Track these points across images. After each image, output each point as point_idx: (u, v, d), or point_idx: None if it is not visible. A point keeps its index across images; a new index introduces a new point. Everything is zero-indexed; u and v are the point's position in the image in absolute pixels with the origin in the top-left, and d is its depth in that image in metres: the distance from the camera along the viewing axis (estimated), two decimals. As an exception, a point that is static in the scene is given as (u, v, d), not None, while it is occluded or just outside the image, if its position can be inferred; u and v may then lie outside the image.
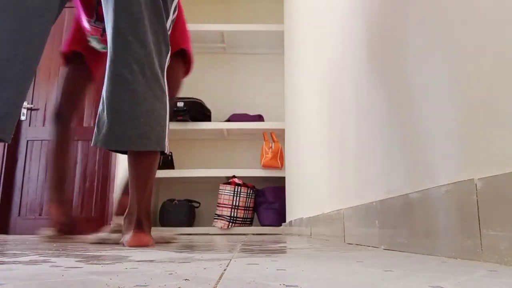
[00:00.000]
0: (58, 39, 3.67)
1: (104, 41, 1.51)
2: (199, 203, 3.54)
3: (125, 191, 1.65)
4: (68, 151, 1.76)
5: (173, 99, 1.67)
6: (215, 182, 3.49)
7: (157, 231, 1.53)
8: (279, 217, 3.27)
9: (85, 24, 1.55)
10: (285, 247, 1.07)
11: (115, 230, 1.48)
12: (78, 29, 1.67)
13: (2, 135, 1.03)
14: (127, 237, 1.20)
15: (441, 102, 0.71)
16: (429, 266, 0.55)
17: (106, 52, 1.58)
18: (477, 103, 0.60)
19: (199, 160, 3.74)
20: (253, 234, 3.02)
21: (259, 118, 3.56)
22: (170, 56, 1.38)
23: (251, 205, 3.30)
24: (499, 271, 0.48)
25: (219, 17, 3.95)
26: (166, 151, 1.28)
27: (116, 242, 1.41)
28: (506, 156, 0.54)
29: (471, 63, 0.62)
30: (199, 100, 3.49)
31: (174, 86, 1.65)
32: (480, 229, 0.57)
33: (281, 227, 3.20)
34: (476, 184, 0.58)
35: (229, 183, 3.26)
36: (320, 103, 1.79)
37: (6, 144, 3.45)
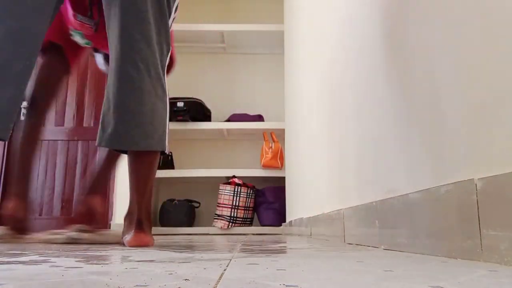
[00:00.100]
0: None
1: (89, 36, 1.47)
2: (199, 203, 3.54)
3: (92, 190, 1.57)
4: (36, 145, 1.70)
5: None
6: (215, 182, 3.49)
7: (102, 231, 1.50)
8: (279, 217, 3.27)
9: (71, 18, 1.53)
10: (285, 247, 1.07)
11: (80, 230, 1.45)
12: (60, 21, 1.64)
13: (0, 133, 1.03)
14: (128, 237, 1.20)
15: (441, 102, 0.71)
16: (429, 266, 0.55)
17: (86, 47, 1.57)
18: (477, 103, 0.60)
19: (199, 160, 3.74)
20: (253, 234, 3.02)
21: (259, 118, 3.57)
22: None
23: (251, 205, 3.30)
24: (499, 271, 0.48)
25: (219, 17, 3.95)
26: (166, 151, 1.28)
27: (89, 242, 1.38)
28: (506, 156, 0.54)
29: (471, 63, 0.62)
30: (199, 100, 3.49)
31: None
32: (480, 229, 0.57)
33: (281, 227, 3.20)
34: (476, 184, 0.58)
35: (229, 183, 3.26)
36: (320, 103, 1.79)
37: (6, 144, 3.45)
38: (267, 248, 1.00)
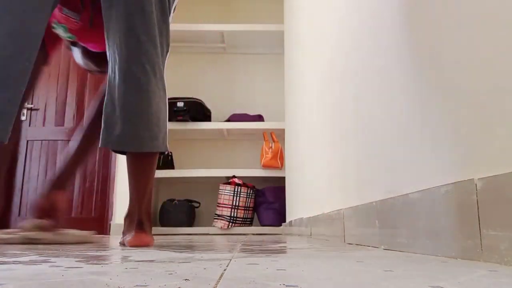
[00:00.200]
0: (58, 39, 3.67)
1: (73, 31, 1.45)
2: (199, 203, 3.54)
3: (57, 185, 1.51)
4: (12, 140, 1.68)
5: None
6: (215, 182, 3.49)
7: (72, 231, 1.47)
8: (279, 217, 3.27)
9: (55, 11, 1.52)
10: (285, 247, 1.07)
11: (38, 227, 1.40)
12: None
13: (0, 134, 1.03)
14: (128, 237, 1.20)
15: (441, 102, 0.71)
16: (429, 266, 0.55)
17: (64, 39, 1.55)
18: (477, 103, 0.60)
19: (199, 160, 3.74)
20: (253, 234, 3.02)
21: (259, 118, 3.57)
22: None
23: (251, 205, 3.30)
24: (499, 271, 0.48)
25: (219, 17, 3.95)
26: (167, 151, 1.30)
27: (46, 243, 1.34)
28: (506, 156, 0.54)
29: (471, 63, 0.62)
30: (199, 100, 3.49)
31: None
32: (480, 229, 0.57)
33: (281, 227, 3.20)
34: (476, 184, 0.58)
35: (229, 183, 3.26)
36: (320, 103, 1.79)
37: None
38: (267, 248, 1.00)
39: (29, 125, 3.61)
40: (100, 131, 1.26)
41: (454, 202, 0.64)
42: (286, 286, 0.39)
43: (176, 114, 3.33)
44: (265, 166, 3.37)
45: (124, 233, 1.28)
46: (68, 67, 3.72)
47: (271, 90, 3.85)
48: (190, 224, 3.41)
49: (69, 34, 1.50)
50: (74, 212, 3.43)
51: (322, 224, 1.63)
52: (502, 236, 0.52)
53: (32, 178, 3.49)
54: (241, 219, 3.23)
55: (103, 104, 1.55)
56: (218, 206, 3.25)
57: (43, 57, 1.66)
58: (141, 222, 1.22)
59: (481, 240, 0.57)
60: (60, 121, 3.61)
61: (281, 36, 3.64)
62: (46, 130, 3.58)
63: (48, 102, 3.66)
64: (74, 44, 1.57)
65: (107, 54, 1.29)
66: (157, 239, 1.73)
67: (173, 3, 1.36)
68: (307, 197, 2.13)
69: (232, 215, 3.20)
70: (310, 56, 2.10)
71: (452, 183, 0.65)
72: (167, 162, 3.49)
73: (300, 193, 2.40)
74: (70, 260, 0.67)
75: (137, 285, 0.40)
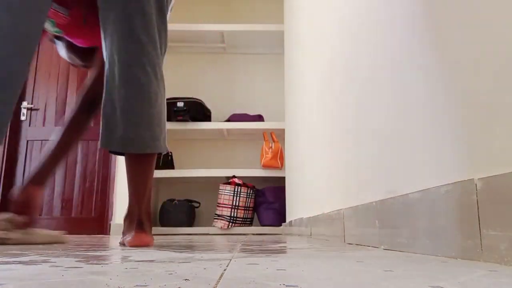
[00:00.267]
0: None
1: (61, 26, 1.43)
2: (199, 203, 3.54)
3: (35, 180, 1.46)
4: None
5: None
6: (215, 182, 3.49)
7: (44, 231, 1.43)
8: (279, 217, 3.27)
9: None
10: (285, 247, 1.07)
11: (9, 221, 1.34)
12: None
13: None
14: (129, 237, 1.21)
15: (441, 102, 0.71)
16: (429, 266, 0.55)
17: (47, 32, 1.53)
18: (477, 103, 0.60)
19: (199, 160, 3.74)
20: (253, 234, 3.02)
21: (259, 118, 3.57)
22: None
23: (251, 205, 3.30)
24: (499, 271, 0.48)
25: (219, 17, 3.95)
26: (167, 151, 1.30)
27: (15, 243, 1.30)
28: (506, 156, 0.54)
29: (471, 62, 0.62)
30: (199, 100, 3.49)
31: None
32: (480, 229, 0.57)
33: (281, 227, 3.20)
34: (476, 184, 0.58)
35: (229, 183, 3.26)
36: (320, 103, 1.79)
37: (6, 144, 3.45)
38: (267, 248, 1.00)
39: (29, 125, 3.61)
40: (81, 126, 1.24)
41: (454, 202, 0.64)
42: (286, 286, 0.39)
43: (176, 114, 3.33)
44: (265, 166, 3.37)
45: (124, 233, 1.28)
46: (68, 67, 3.72)
47: (271, 90, 3.85)
48: (190, 224, 3.41)
49: (56, 29, 1.48)
50: (74, 212, 3.43)
51: (322, 224, 1.63)
52: (502, 236, 0.52)
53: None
54: (241, 219, 3.23)
55: (86, 100, 1.53)
56: (218, 206, 3.25)
57: None
58: (141, 222, 1.22)
59: (481, 240, 0.57)
60: (60, 121, 3.61)
61: (281, 36, 3.64)
62: (46, 130, 3.58)
63: (48, 102, 3.66)
64: (58, 38, 1.55)
65: (104, 54, 1.28)
66: (157, 239, 1.73)
67: (170, 3, 1.36)
68: (307, 197, 2.13)
69: (232, 215, 3.20)
70: (310, 56, 2.10)
71: (452, 183, 0.65)
72: (167, 162, 3.49)
73: (300, 193, 2.40)
74: (70, 260, 0.67)
75: (137, 285, 0.40)
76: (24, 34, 1.08)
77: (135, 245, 1.17)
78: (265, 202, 3.32)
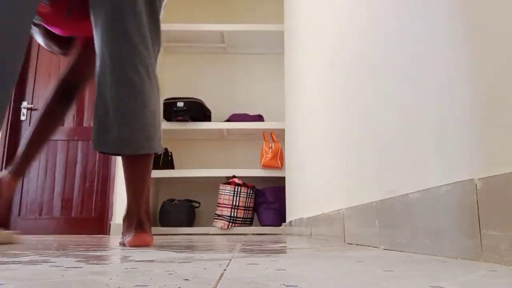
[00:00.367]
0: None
1: (42, 14, 1.40)
2: (199, 203, 3.54)
3: (12, 171, 1.42)
4: None
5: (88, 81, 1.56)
6: (215, 182, 3.49)
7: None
8: (279, 217, 3.27)
9: None
10: (285, 247, 1.07)
11: None
12: None
13: None
14: (129, 237, 1.20)
15: (441, 102, 0.71)
16: (429, 266, 0.55)
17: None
18: (477, 103, 0.60)
19: (199, 160, 3.74)
20: (253, 234, 3.02)
21: (259, 118, 3.57)
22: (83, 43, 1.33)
23: (251, 205, 3.30)
24: (499, 271, 0.48)
25: (219, 17, 3.95)
26: (163, 151, 1.29)
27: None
28: (506, 156, 0.54)
29: (470, 62, 0.62)
30: (199, 100, 3.49)
31: (92, 69, 1.51)
32: (480, 229, 0.57)
33: (281, 227, 3.20)
34: (476, 184, 0.58)
35: (229, 183, 3.26)
36: (320, 103, 1.79)
37: (6, 144, 3.45)
38: (267, 248, 1.00)
39: (29, 125, 3.61)
40: (56, 116, 1.21)
41: (454, 202, 0.64)
42: (286, 286, 0.39)
43: (176, 114, 3.32)
44: (265, 166, 3.37)
45: (123, 234, 1.28)
46: (68, 67, 3.72)
47: (271, 90, 3.85)
48: (190, 224, 3.41)
49: (36, 16, 1.46)
50: (74, 212, 3.43)
51: (322, 224, 1.63)
52: (502, 236, 0.52)
53: (32, 178, 3.49)
54: (241, 219, 3.23)
55: (60, 89, 1.49)
56: (218, 206, 3.25)
57: None
58: (141, 222, 1.22)
59: (481, 240, 0.57)
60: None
61: (281, 36, 3.64)
62: (46, 130, 3.57)
63: (48, 102, 3.66)
64: (35, 24, 1.51)
65: (96, 51, 1.26)
66: (157, 239, 1.73)
67: (163, 1, 1.34)
68: (307, 197, 2.13)
69: (232, 215, 3.20)
70: (310, 56, 2.10)
71: (452, 183, 0.65)
72: (167, 162, 3.49)
73: (300, 193, 2.40)
74: (70, 260, 0.67)
75: (137, 285, 0.39)
76: (14, 34, 1.06)
77: (136, 245, 1.17)
78: (265, 202, 3.32)
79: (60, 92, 1.50)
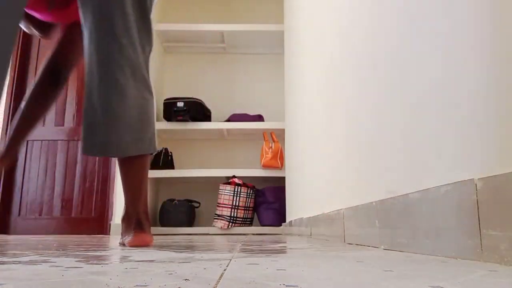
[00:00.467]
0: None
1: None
2: (199, 203, 3.54)
3: (4, 155, 1.42)
4: None
5: (75, 65, 1.55)
6: (215, 182, 3.49)
7: None
8: (279, 217, 3.27)
9: None
10: (285, 247, 1.07)
11: None
12: None
13: None
14: (129, 237, 1.20)
15: (441, 102, 0.71)
16: (429, 266, 0.55)
17: None
18: (477, 103, 0.60)
19: (199, 160, 3.74)
20: (253, 234, 3.02)
21: (259, 118, 3.57)
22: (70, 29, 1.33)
23: (251, 205, 3.30)
24: (499, 271, 0.48)
25: (219, 17, 3.95)
26: (157, 151, 1.28)
27: None
28: (506, 156, 0.54)
29: (469, 61, 0.62)
30: (199, 100, 3.49)
31: (79, 54, 1.51)
32: (480, 229, 0.57)
33: (281, 227, 3.20)
34: (476, 184, 0.58)
35: (229, 183, 3.26)
36: (320, 102, 1.79)
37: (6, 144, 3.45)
38: (267, 248, 1.00)
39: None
40: (44, 99, 1.20)
41: (454, 202, 0.64)
42: (286, 286, 0.39)
43: (176, 114, 3.32)
44: (265, 166, 3.37)
45: (122, 234, 1.28)
46: (68, 67, 3.72)
47: (271, 90, 3.85)
48: (190, 224, 3.41)
49: None
50: (74, 212, 3.43)
51: (322, 224, 1.63)
52: (502, 236, 0.52)
53: (32, 178, 3.49)
54: (241, 219, 3.23)
55: (47, 70, 1.48)
56: (218, 206, 3.25)
57: None
58: (140, 222, 1.22)
59: (481, 240, 0.57)
60: (60, 121, 3.61)
61: (281, 36, 3.64)
62: (46, 130, 3.58)
63: (48, 102, 3.66)
64: None
65: (84, 50, 1.24)
66: (157, 239, 1.73)
67: (153, 1, 1.33)
68: (307, 197, 2.13)
69: (232, 215, 3.20)
70: (310, 56, 2.10)
71: (452, 183, 0.65)
72: (167, 162, 3.49)
73: (300, 193, 2.40)
74: (70, 260, 0.67)
75: (137, 285, 0.39)
76: (10, 31, 1.06)
77: (136, 245, 1.17)
78: (265, 202, 3.32)
79: (47, 74, 1.48)
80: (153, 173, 3.30)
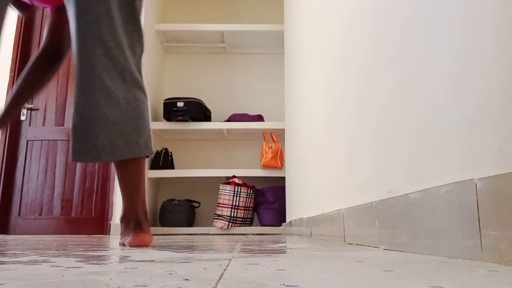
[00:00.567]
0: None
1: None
2: (199, 203, 3.54)
3: None
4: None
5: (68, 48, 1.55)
6: (215, 182, 3.49)
7: None
8: (279, 217, 3.27)
9: None
10: (285, 247, 1.07)
11: None
12: None
13: None
14: (129, 238, 1.20)
15: (441, 102, 0.71)
16: (429, 266, 0.55)
17: None
18: (477, 103, 0.60)
19: (199, 160, 3.74)
20: (253, 234, 3.02)
21: (259, 118, 3.57)
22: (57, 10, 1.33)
23: (251, 205, 3.30)
24: (499, 271, 0.48)
25: (219, 17, 3.95)
26: (153, 154, 1.27)
27: None
28: (506, 156, 0.54)
29: (469, 60, 0.62)
30: (199, 100, 3.49)
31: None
32: (480, 229, 0.57)
33: (281, 227, 3.20)
34: (476, 184, 0.58)
35: (229, 183, 3.26)
36: (320, 102, 1.79)
37: (6, 144, 3.45)
38: (267, 248, 1.00)
39: (29, 125, 3.61)
40: (41, 75, 1.19)
41: (454, 202, 0.64)
42: (286, 286, 0.39)
43: (176, 114, 3.33)
44: (265, 166, 3.37)
45: (122, 234, 1.28)
46: (68, 67, 3.72)
47: (271, 90, 3.85)
48: (190, 224, 3.41)
49: None
50: (74, 212, 3.43)
51: (322, 224, 1.63)
52: (502, 236, 0.52)
53: (32, 178, 3.49)
54: (241, 219, 3.23)
55: (46, 51, 1.47)
56: (218, 206, 3.25)
57: None
58: (139, 222, 1.22)
59: (481, 240, 0.57)
60: (60, 121, 3.61)
61: (281, 36, 3.64)
62: (46, 130, 3.58)
63: (48, 102, 3.66)
64: None
65: (73, 55, 1.24)
66: (157, 239, 1.73)
67: (141, 2, 1.33)
68: (307, 197, 2.13)
69: (232, 215, 3.20)
70: (310, 56, 2.10)
71: (452, 183, 0.65)
72: (167, 162, 3.49)
73: (300, 193, 2.40)
74: (70, 260, 0.67)
75: (137, 285, 0.39)
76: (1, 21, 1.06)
77: (135, 245, 1.17)
78: (265, 202, 3.32)
79: (46, 52, 1.48)
80: (153, 173, 3.30)
